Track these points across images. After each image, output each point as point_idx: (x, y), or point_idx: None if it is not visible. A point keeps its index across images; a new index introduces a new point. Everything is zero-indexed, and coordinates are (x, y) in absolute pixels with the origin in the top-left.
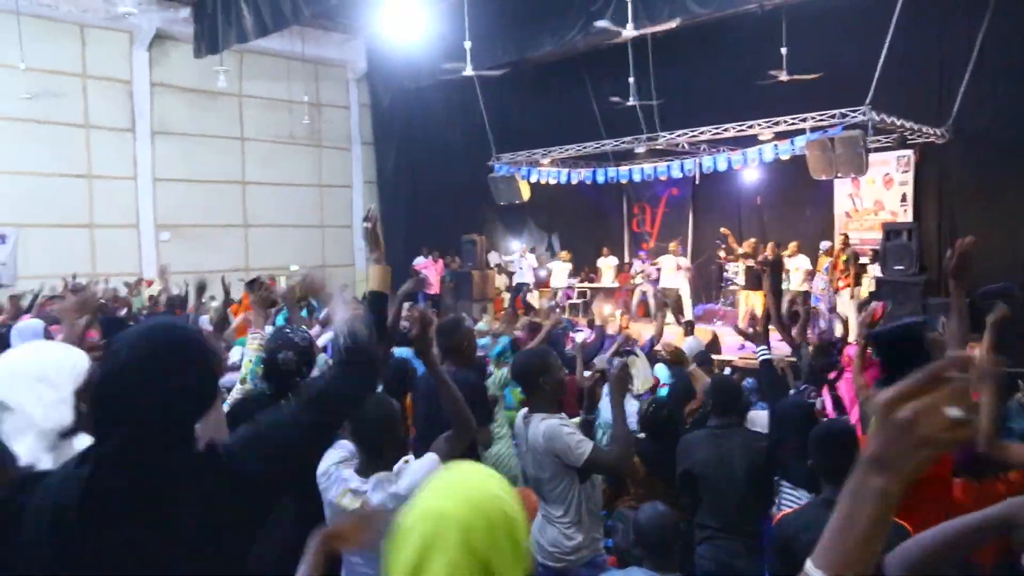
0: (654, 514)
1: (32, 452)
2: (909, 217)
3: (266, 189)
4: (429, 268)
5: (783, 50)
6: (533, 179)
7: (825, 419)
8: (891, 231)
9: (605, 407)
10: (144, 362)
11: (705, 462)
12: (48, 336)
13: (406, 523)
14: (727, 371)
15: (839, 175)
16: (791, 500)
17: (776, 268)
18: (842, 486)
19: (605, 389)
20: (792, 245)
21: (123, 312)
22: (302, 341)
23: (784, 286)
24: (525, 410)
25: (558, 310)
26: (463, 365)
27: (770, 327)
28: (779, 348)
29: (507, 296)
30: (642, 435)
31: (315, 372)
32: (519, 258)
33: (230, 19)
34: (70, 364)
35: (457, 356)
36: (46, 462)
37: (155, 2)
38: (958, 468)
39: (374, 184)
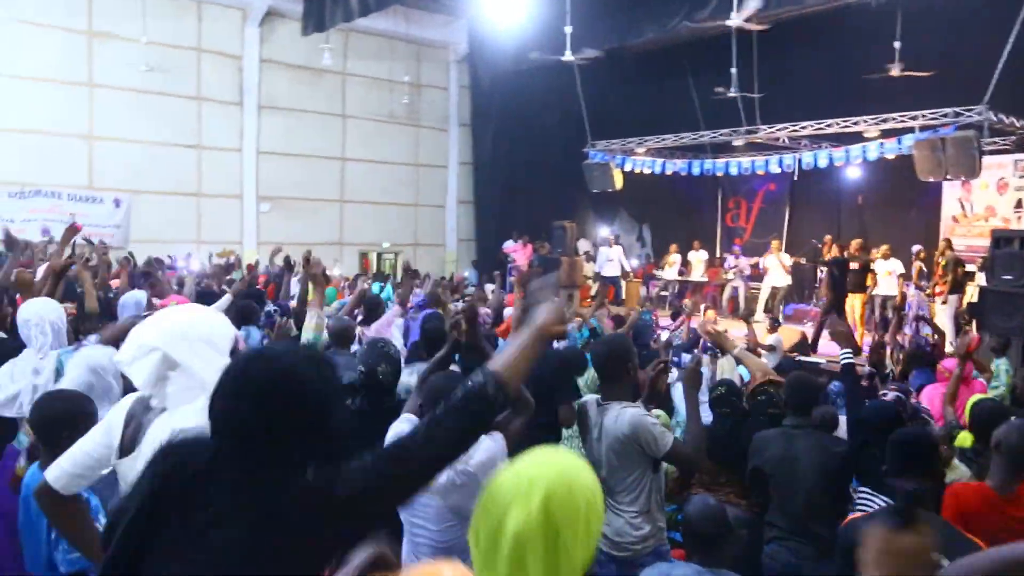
0: (703, 507)
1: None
2: (1023, 225)
3: (364, 166)
4: (518, 252)
5: (896, 44)
6: (627, 168)
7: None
8: (1001, 238)
9: (679, 400)
10: (239, 395)
11: (775, 460)
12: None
13: (496, 485)
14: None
15: (948, 177)
16: (868, 505)
17: (840, 267)
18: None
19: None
20: (884, 247)
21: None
22: (396, 354)
23: (875, 291)
24: (595, 397)
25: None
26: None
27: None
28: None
29: (594, 285)
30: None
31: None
32: (607, 249)
33: None
34: (228, 329)
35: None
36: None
37: None
38: None
39: (470, 166)
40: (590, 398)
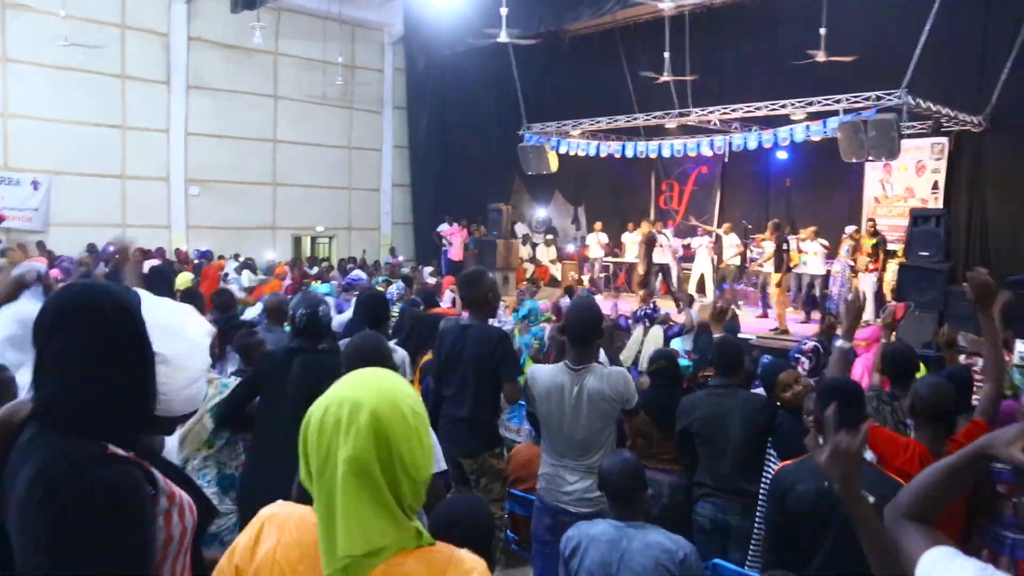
0: (619, 461)
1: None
2: (939, 205)
3: (296, 148)
4: (454, 235)
5: (822, 30)
6: (563, 150)
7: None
8: (919, 217)
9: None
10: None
11: (703, 420)
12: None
13: (318, 414)
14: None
15: (870, 159)
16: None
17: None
18: None
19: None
20: (809, 229)
21: None
22: (323, 315)
23: (802, 270)
24: (562, 364)
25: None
26: (487, 317)
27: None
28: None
29: (529, 267)
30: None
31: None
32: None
33: None
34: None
35: (481, 308)
36: None
37: None
38: None
39: (404, 149)
40: (550, 367)
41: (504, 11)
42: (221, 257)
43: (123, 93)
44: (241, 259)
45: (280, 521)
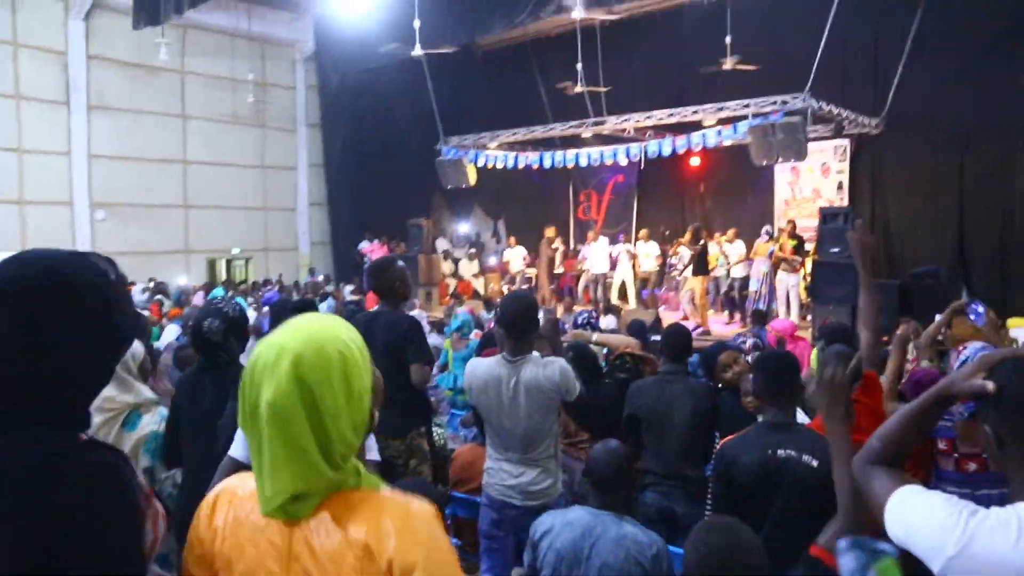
0: (606, 450)
1: None
2: (845, 204)
3: (208, 169)
4: (374, 252)
5: (727, 39)
6: (480, 163)
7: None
8: (828, 215)
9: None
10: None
11: (649, 407)
12: None
13: (250, 361)
14: None
15: (780, 160)
16: None
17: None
18: (783, 407)
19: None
20: (730, 232)
21: None
22: (232, 311)
23: (723, 271)
24: (500, 356)
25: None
26: (396, 305)
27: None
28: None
29: (452, 282)
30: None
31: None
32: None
33: None
34: None
35: (390, 296)
36: None
37: None
38: None
39: (320, 167)
40: (488, 360)
41: (417, 24)
42: (132, 283)
43: (18, 114)
44: (152, 284)
45: (231, 494)
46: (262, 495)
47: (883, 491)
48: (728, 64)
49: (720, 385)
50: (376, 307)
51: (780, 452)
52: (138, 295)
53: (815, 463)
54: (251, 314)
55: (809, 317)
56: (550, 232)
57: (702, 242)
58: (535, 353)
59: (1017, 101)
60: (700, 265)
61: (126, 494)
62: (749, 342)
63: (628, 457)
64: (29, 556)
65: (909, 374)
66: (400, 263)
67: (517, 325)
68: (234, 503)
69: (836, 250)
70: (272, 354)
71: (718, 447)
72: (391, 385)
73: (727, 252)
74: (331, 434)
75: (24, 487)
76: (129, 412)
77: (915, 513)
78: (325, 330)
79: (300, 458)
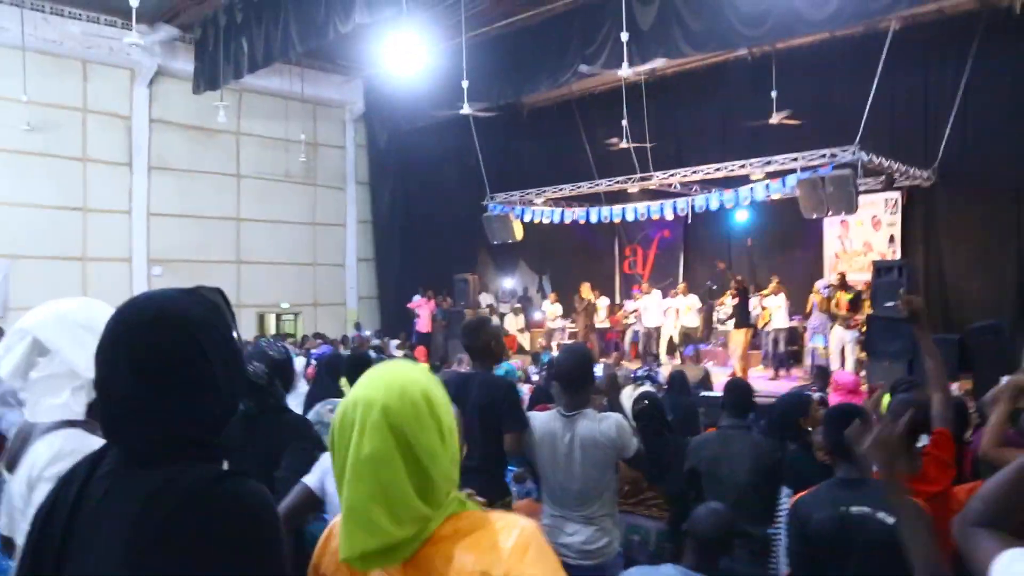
0: (711, 511)
1: (68, 406)
2: (897, 257)
3: (260, 226)
4: (422, 307)
5: (773, 93)
6: (527, 219)
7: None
8: (881, 268)
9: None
10: (115, 348)
11: (709, 459)
12: None
13: (338, 416)
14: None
15: (830, 213)
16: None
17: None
18: (855, 462)
19: None
20: (772, 284)
21: None
22: (277, 354)
23: (768, 327)
24: (555, 411)
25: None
26: (491, 366)
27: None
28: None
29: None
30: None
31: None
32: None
33: (229, 56)
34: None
35: (484, 356)
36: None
37: (158, 41)
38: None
39: (369, 224)
40: (544, 414)
41: (465, 84)
42: None
43: (84, 176)
44: None
45: None
46: (344, 549)
47: (988, 554)
48: (775, 119)
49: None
50: (468, 368)
51: (854, 509)
52: None
53: (891, 520)
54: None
55: (864, 373)
56: (585, 289)
57: (745, 294)
58: (590, 409)
59: None
60: (743, 318)
61: (275, 519)
62: (816, 396)
63: (732, 521)
64: None
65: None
66: (495, 322)
67: (573, 379)
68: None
69: (890, 304)
70: (358, 410)
71: (791, 503)
72: (483, 451)
73: (766, 305)
74: (432, 475)
75: (179, 518)
76: None
77: None
78: (402, 375)
79: (400, 504)
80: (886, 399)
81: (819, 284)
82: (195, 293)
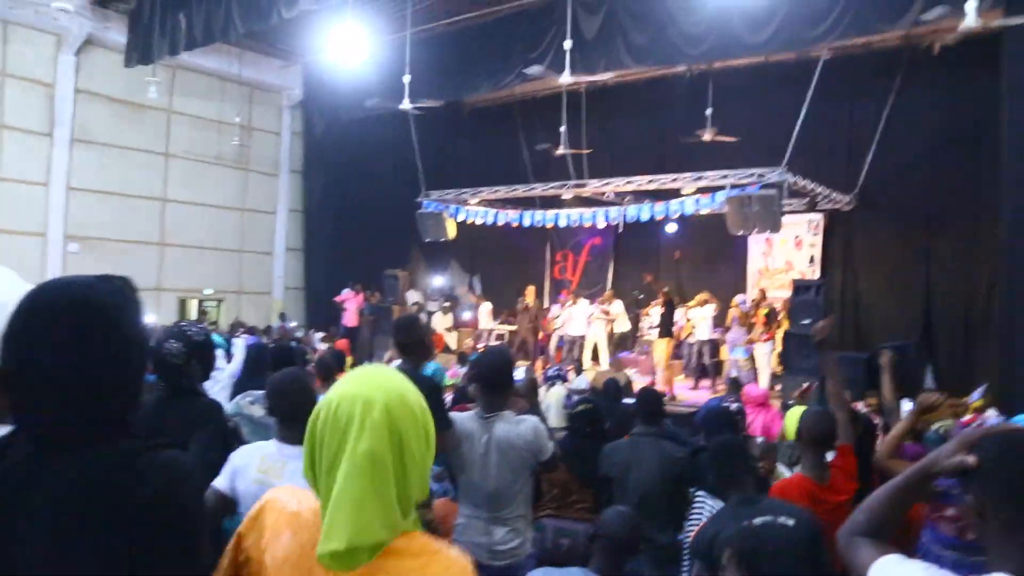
0: (620, 515)
1: None
2: (816, 277)
3: (187, 208)
4: (350, 301)
5: (708, 111)
6: (460, 218)
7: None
8: (800, 286)
9: None
10: (28, 332)
11: (621, 466)
12: None
13: (328, 409)
14: None
15: (755, 231)
16: (703, 506)
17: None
18: (743, 491)
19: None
20: (699, 296)
21: None
22: (196, 336)
23: (692, 338)
24: (470, 412)
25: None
26: (421, 364)
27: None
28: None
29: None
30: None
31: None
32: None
33: (165, 30)
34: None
35: (416, 353)
36: None
37: (88, 8)
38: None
39: (300, 213)
40: (463, 415)
41: (407, 79)
42: None
43: (0, 143)
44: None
45: (288, 515)
46: (332, 541)
47: (866, 561)
48: (708, 135)
49: None
50: (393, 364)
51: (756, 520)
52: None
53: (791, 522)
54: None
55: (779, 387)
56: (529, 293)
57: (670, 306)
58: (509, 411)
59: (981, 188)
60: (666, 328)
61: (200, 484)
62: (734, 407)
63: (639, 524)
64: (128, 548)
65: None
66: (425, 319)
67: (492, 381)
68: (296, 526)
69: (807, 321)
70: (357, 406)
71: (692, 537)
72: None
73: (691, 317)
74: (412, 481)
75: (109, 494)
76: None
77: None
78: (401, 383)
79: (384, 507)
80: (795, 413)
81: (738, 298)
82: (108, 280)
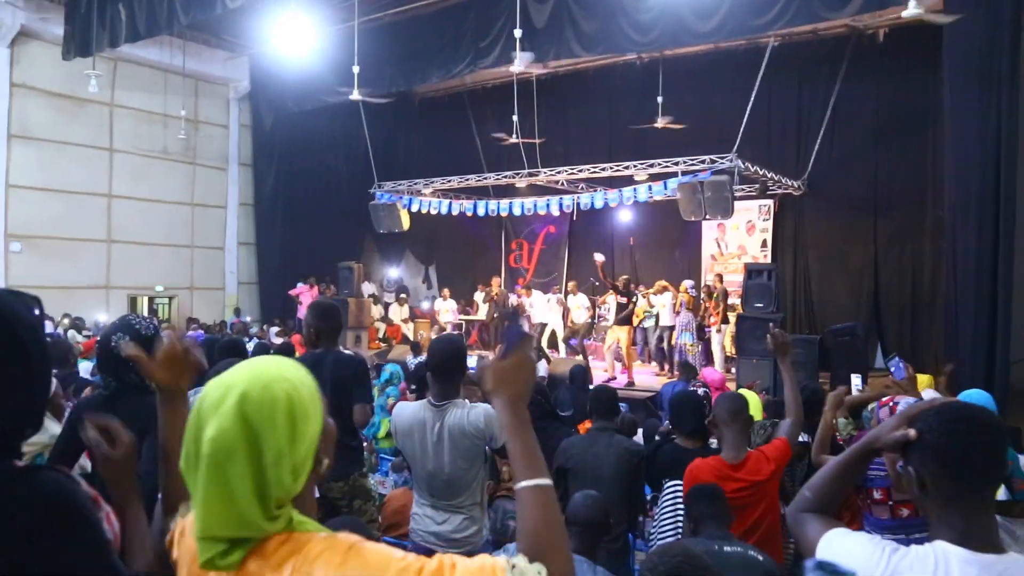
0: (589, 497)
1: None
2: (768, 261)
3: (134, 204)
4: (305, 294)
5: (659, 99)
6: (414, 208)
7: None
8: (753, 271)
9: None
10: None
11: (577, 459)
12: None
13: (199, 397)
14: None
15: (707, 217)
16: (676, 493)
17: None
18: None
19: None
20: (659, 283)
21: None
22: (144, 329)
23: (650, 323)
24: (425, 400)
25: None
26: (335, 346)
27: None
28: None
29: (381, 326)
30: None
31: None
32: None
33: (104, 22)
34: None
35: (334, 338)
36: None
37: None
38: None
39: (250, 206)
40: (414, 404)
41: (356, 69)
42: (50, 318)
43: None
44: (66, 320)
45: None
46: (198, 541)
47: (815, 534)
48: (659, 123)
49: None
50: (320, 348)
51: (727, 547)
52: (49, 330)
53: (761, 557)
54: None
55: (734, 370)
56: (495, 283)
57: (632, 294)
58: (461, 399)
59: (925, 170)
60: (625, 316)
61: (74, 506)
62: (701, 391)
63: (606, 504)
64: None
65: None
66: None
67: (444, 368)
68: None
69: (760, 304)
70: (219, 392)
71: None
72: (339, 426)
73: (654, 303)
74: (269, 477)
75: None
76: (41, 452)
77: (843, 552)
78: (273, 369)
79: (236, 501)
80: (755, 399)
81: (687, 283)
82: (21, 295)
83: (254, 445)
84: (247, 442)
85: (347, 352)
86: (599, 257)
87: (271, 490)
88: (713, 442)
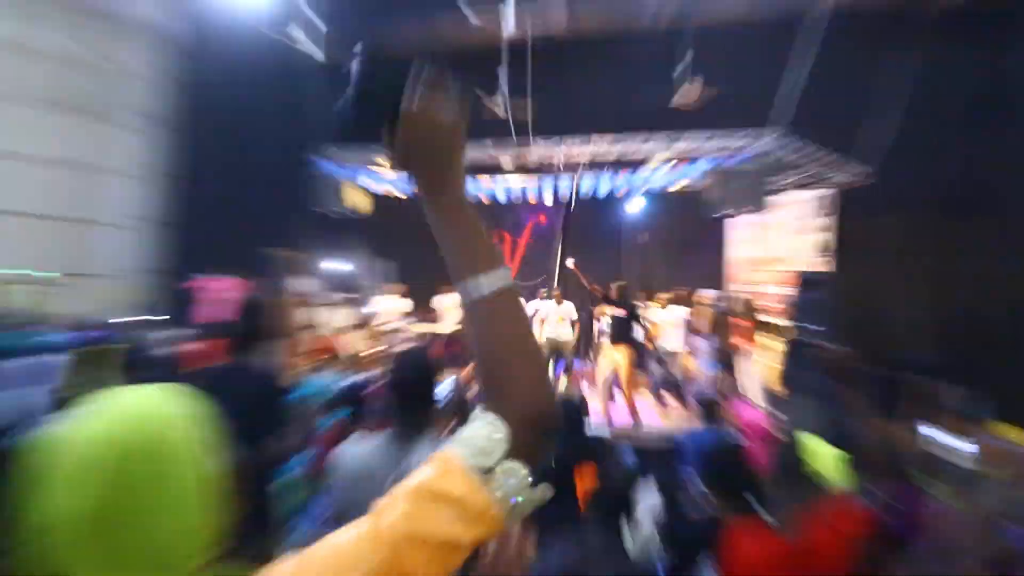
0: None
1: None
2: (822, 269)
3: (6, 164)
4: (224, 288)
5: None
6: (366, 184)
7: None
8: (808, 281)
9: None
10: None
11: None
12: None
13: (46, 451)
14: None
15: (737, 211)
16: None
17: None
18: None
19: None
20: (663, 296)
21: None
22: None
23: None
24: (378, 439)
25: None
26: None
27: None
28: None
29: (319, 333)
30: None
31: None
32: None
33: None
34: None
35: (262, 343)
36: None
37: None
38: None
39: (162, 176)
40: (362, 446)
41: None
42: None
43: None
44: None
45: None
46: None
47: None
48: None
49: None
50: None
51: None
52: None
53: None
54: None
55: (777, 412)
56: None
57: (633, 306)
58: (430, 435)
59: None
60: (624, 332)
61: None
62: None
63: None
64: None
65: None
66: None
67: (409, 395)
68: None
69: (815, 328)
70: (80, 447)
71: None
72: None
73: (650, 318)
74: (157, 539)
75: None
76: None
77: None
78: (149, 407)
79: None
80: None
81: (710, 295)
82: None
83: (141, 510)
84: (131, 508)
85: (264, 365)
86: (571, 262)
87: (177, 554)
88: None
